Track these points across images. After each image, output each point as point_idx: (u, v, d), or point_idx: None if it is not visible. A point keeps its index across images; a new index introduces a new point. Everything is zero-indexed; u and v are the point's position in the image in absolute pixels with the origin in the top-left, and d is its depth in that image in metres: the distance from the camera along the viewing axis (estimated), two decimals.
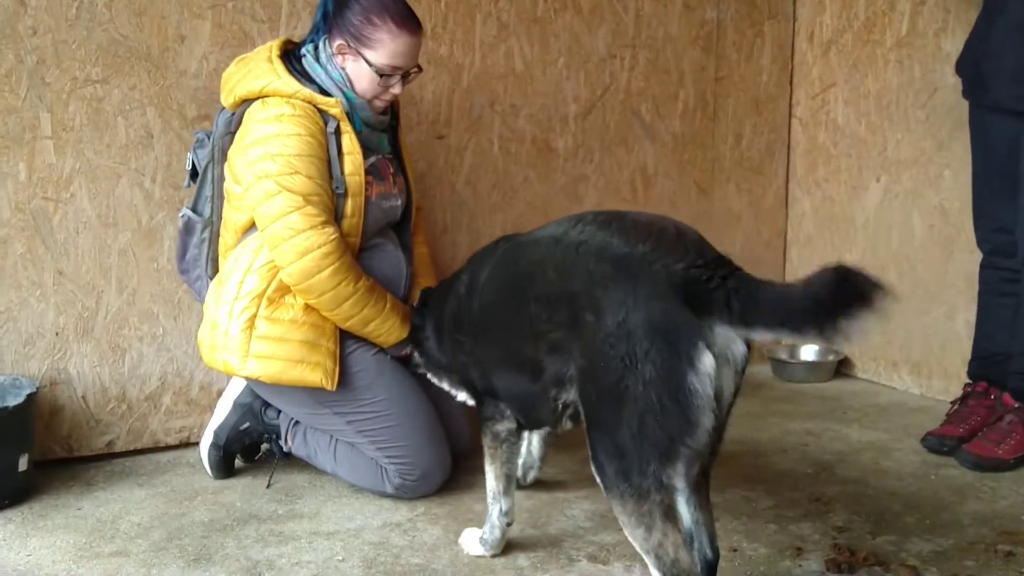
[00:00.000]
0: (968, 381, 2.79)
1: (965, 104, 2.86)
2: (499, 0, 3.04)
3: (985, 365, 2.73)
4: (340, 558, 2.01)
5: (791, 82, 3.72)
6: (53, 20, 2.41)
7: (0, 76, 2.37)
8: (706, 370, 1.42)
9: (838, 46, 3.51)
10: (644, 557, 1.53)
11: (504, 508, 2.00)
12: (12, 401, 2.31)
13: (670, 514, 1.50)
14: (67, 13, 2.42)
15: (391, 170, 2.43)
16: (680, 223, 1.65)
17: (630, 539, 1.53)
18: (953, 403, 2.78)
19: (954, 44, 3.06)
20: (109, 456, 2.60)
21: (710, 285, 1.44)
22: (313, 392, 2.26)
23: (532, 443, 2.33)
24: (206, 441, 2.46)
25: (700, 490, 1.65)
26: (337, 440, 2.36)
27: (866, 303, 1.33)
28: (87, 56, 2.45)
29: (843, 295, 1.34)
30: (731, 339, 1.46)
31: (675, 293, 1.44)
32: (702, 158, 3.56)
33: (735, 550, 2.03)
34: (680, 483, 1.60)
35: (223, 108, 2.38)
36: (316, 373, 2.21)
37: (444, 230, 3.05)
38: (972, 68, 2.62)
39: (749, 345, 1.51)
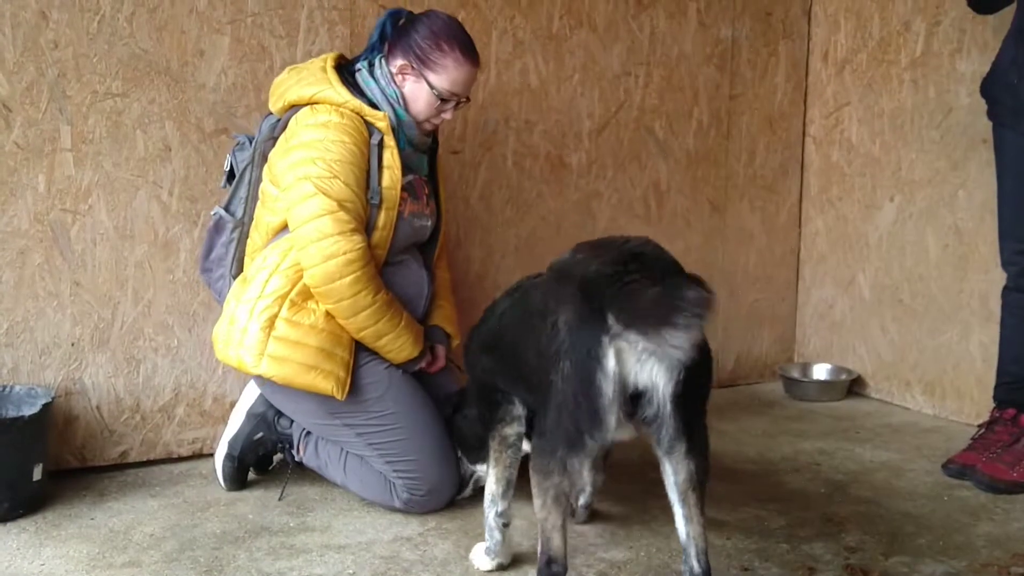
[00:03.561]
0: (994, 406, 2.73)
1: (980, 125, 2.86)
2: (515, 17, 3.06)
3: (1012, 390, 2.68)
4: (351, 572, 2.01)
5: (805, 101, 3.72)
6: (75, 34, 2.44)
7: (21, 89, 2.40)
8: (610, 369, 1.52)
9: (852, 65, 3.52)
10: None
11: (500, 509, 2.02)
12: (27, 411, 2.33)
13: (561, 499, 1.63)
14: (88, 27, 2.45)
15: (426, 192, 2.47)
16: (639, 240, 1.69)
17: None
18: (980, 427, 2.73)
19: (969, 65, 3.06)
20: (122, 466, 2.61)
21: (615, 285, 1.51)
22: (324, 402, 2.26)
23: None
24: (220, 452, 2.47)
25: (688, 503, 1.67)
26: (347, 453, 2.36)
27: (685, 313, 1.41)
28: (107, 70, 2.48)
29: (668, 303, 1.43)
30: (661, 342, 1.50)
31: (586, 292, 1.55)
32: (715, 175, 3.56)
33: (747, 569, 2.03)
34: (672, 496, 1.68)
35: (268, 114, 2.43)
36: (328, 381, 2.22)
37: (458, 245, 3.06)
38: (1005, 93, 2.59)
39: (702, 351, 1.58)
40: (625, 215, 3.36)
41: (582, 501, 2.28)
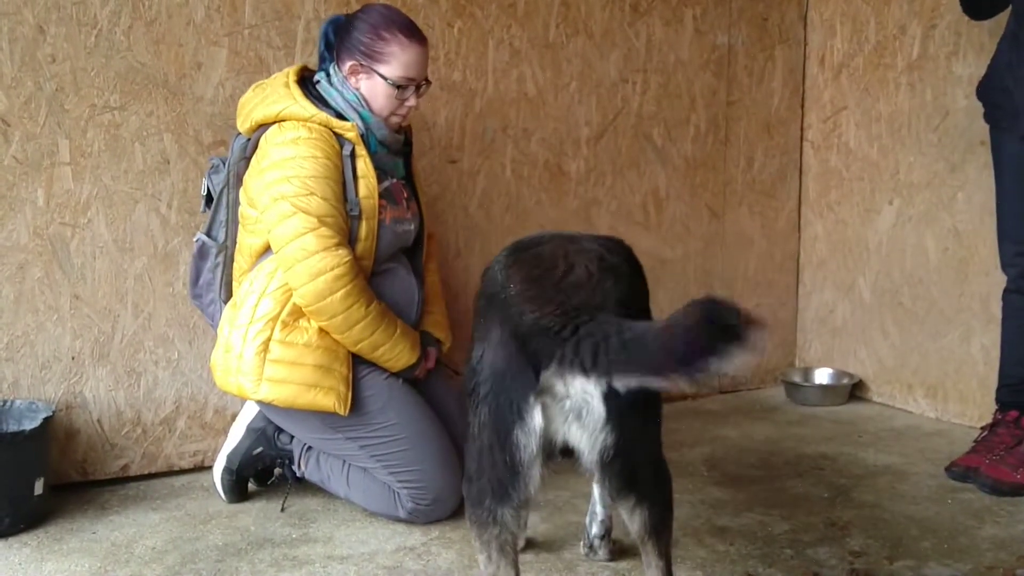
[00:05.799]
0: (996, 408, 2.73)
1: (978, 127, 2.87)
2: (511, 26, 3.07)
3: (1014, 392, 2.68)
4: None
5: (802, 106, 3.73)
6: (72, 48, 2.44)
7: (20, 103, 2.40)
8: (534, 425, 1.43)
9: (849, 70, 3.52)
10: None
11: None
12: (28, 425, 2.33)
13: (506, 549, 1.53)
14: (86, 41, 2.45)
15: (405, 195, 2.45)
16: (587, 256, 1.57)
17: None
18: (983, 429, 2.73)
19: (966, 67, 3.07)
20: (124, 480, 2.60)
21: (561, 335, 1.37)
22: (325, 417, 2.26)
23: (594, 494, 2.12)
24: (219, 465, 2.47)
25: (647, 550, 1.58)
26: (350, 465, 2.36)
27: (732, 338, 1.22)
28: (105, 83, 2.48)
29: (705, 333, 1.24)
30: (589, 395, 1.41)
31: (520, 344, 1.43)
32: (714, 181, 3.57)
33: (751, 575, 2.02)
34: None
35: (238, 134, 2.41)
36: (329, 398, 2.22)
37: (457, 254, 3.06)
38: (1001, 96, 2.60)
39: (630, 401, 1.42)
40: (624, 222, 3.36)
41: (595, 531, 2.09)
